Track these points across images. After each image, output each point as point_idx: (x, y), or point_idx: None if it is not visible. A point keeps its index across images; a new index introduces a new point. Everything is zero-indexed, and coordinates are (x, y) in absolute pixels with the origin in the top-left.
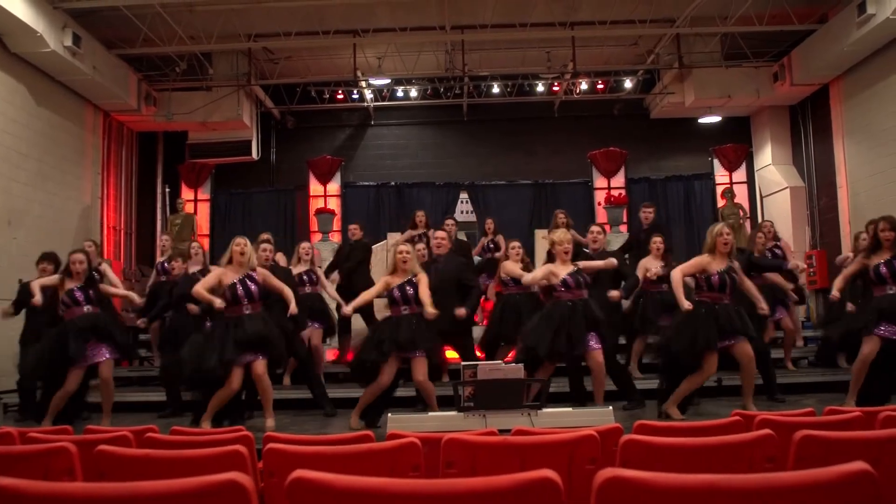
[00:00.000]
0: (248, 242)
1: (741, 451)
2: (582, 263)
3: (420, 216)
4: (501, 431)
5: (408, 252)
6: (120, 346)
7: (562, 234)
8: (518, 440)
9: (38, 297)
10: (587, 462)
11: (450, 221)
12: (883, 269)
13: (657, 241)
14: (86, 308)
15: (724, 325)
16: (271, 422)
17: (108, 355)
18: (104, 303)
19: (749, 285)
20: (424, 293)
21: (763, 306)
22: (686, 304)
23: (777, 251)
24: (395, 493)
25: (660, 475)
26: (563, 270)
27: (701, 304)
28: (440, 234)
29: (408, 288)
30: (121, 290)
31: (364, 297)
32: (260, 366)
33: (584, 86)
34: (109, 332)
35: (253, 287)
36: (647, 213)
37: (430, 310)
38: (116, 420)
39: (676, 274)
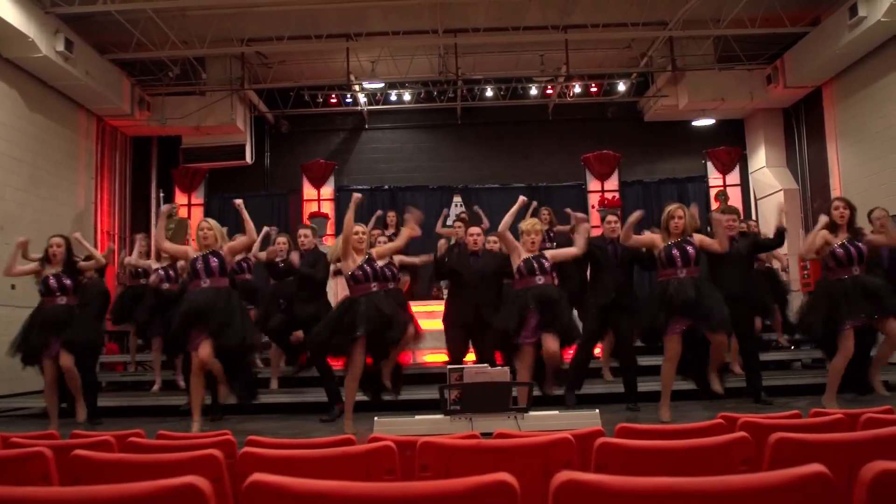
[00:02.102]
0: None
1: (715, 454)
2: (549, 253)
3: (391, 217)
4: (486, 434)
5: (363, 232)
6: (76, 348)
7: (531, 224)
8: (492, 443)
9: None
10: (562, 465)
11: (464, 217)
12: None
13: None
14: (59, 299)
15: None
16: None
17: (60, 350)
18: (87, 296)
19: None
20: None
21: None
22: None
23: None
24: (352, 497)
25: (616, 478)
26: (525, 255)
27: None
28: (475, 230)
29: (367, 266)
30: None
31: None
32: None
33: (577, 89)
34: (70, 331)
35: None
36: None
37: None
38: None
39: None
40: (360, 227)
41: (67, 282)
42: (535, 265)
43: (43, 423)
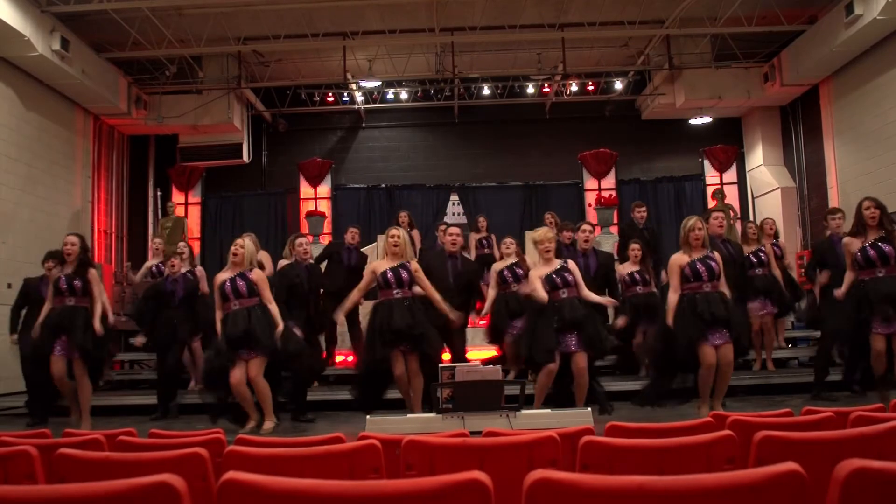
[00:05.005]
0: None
1: (700, 453)
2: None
3: (403, 216)
4: (477, 433)
5: (399, 237)
6: (80, 350)
7: (542, 233)
8: (477, 442)
9: None
10: (547, 464)
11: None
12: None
13: (634, 249)
14: (69, 300)
15: (702, 314)
16: (269, 424)
17: (62, 351)
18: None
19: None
20: (428, 287)
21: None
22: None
23: (762, 255)
24: (324, 494)
25: (588, 476)
26: (544, 271)
27: (682, 297)
28: (454, 230)
29: (401, 271)
30: (98, 305)
31: (352, 297)
32: (253, 367)
33: (574, 87)
34: (74, 332)
35: (241, 283)
36: (641, 213)
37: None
38: (110, 423)
39: (671, 298)
40: (395, 231)
41: (77, 283)
42: (558, 280)
43: (53, 423)
